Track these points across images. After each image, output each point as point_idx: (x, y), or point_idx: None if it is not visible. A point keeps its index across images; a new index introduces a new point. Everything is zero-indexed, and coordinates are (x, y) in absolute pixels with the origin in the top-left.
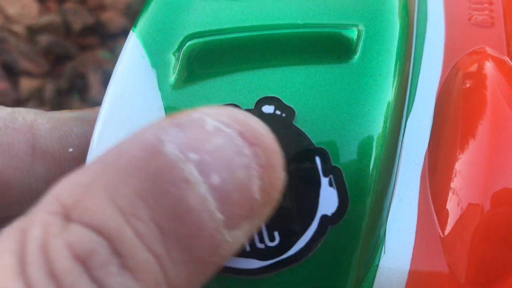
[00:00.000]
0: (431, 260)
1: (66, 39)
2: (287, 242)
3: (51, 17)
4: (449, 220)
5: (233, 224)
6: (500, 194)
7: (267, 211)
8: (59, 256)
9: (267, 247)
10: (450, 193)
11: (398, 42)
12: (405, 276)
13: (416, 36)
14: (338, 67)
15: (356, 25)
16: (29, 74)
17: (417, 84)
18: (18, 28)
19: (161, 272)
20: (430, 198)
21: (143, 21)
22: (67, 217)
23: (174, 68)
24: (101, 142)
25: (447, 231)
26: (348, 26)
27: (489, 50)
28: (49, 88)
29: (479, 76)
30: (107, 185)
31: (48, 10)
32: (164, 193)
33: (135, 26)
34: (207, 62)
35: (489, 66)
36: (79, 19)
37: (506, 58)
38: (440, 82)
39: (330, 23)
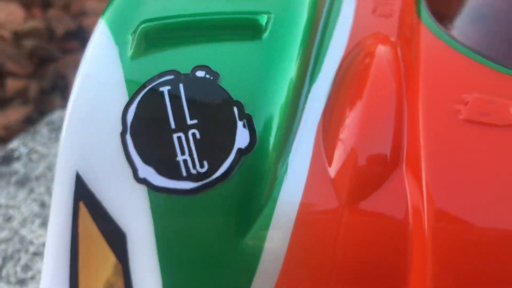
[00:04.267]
0: (320, 191)
1: (50, 43)
2: (213, 167)
3: (36, 23)
4: (337, 162)
5: None
6: (372, 156)
7: None
8: None
9: (198, 172)
10: (339, 143)
11: (304, 27)
12: (294, 208)
13: (328, 23)
14: (252, 44)
15: (269, 13)
16: (14, 75)
17: (324, 58)
18: (5, 33)
19: None
20: (322, 145)
21: (110, 10)
22: None
23: (131, 45)
24: (74, 111)
25: (335, 170)
26: (261, 13)
27: (384, 35)
28: (33, 88)
29: (370, 54)
30: None
31: (33, 16)
32: None
33: (103, 14)
34: (156, 40)
35: (381, 47)
36: (62, 25)
37: (397, 41)
38: (342, 58)
39: (249, 10)
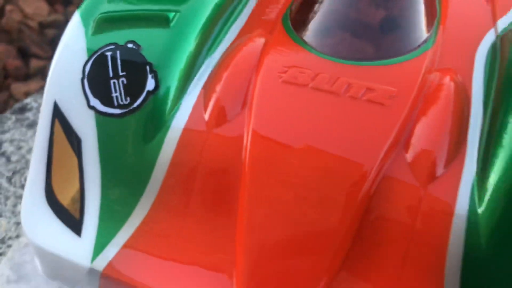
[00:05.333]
0: (196, 124)
1: None
2: (132, 101)
3: (57, 16)
4: (209, 108)
5: None
6: (229, 103)
7: None
8: None
9: (124, 103)
10: (213, 95)
11: (204, 21)
12: (179, 131)
13: (230, 19)
14: (162, 29)
15: (177, 11)
16: (37, 57)
17: (221, 41)
18: (32, 23)
19: None
20: (203, 97)
21: (83, 6)
22: None
23: (92, 27)
24: (57, 74)
25: (207, 118)
26: (170, 11)
27: (261, 31)
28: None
29: (248, 41)
30: None
31: (56, 11)
32: None
33: (79, 8)
34: (106, 24)
35: (255, 38)
36: None
37: (266, 34)
38: (232, 42)
39: (164, 9)
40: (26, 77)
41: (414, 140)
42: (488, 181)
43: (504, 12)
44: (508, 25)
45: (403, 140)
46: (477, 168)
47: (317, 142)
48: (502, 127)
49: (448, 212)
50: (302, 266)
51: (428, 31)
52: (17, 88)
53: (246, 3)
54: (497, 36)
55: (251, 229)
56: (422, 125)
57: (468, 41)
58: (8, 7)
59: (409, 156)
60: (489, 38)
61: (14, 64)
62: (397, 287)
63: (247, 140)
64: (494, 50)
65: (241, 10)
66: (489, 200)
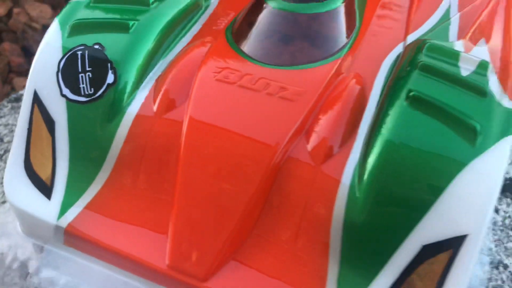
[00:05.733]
0: (145, 112)
1: None
2: (95, 91)
3: None
4: (159, 98)
5: None
6: (174, 95)
7: None
8: None
9: (89, 93)
10: (163, 87)
11: (160, 29)
12: (133, 116)
13: (186, 27)
14: (123, 34)
15: (136, 20)
16: None
17: (176, 44)
18: (37, 25)
19: None
20: (154, 90)
21: (61, 14)
22: None
23: (67, 31)
24: (37, 67)
25: (156, 107)
26: (130, 20)
27: (210, 38)
28: None
29: (200, 45)
30: None
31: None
32: None
33: (58, 15)
34: (78, 29)
35: (205, 43)
36: None
37: (212, 40)
38: (185, 46)
39: (125, 18)
40: (27, 73)
41: (315, 128)
42: (366, 163)
43: (415, 28)
44: (415, 39)
45: (306, 128)
46: (361, 153)
47: (239, 127)
48: (383, 119)
49: (334, 187)
50: (222, 228)
51: (346, 41)
52: (18, 82)
53: (201, 15)
54: (404, 48)
55: (183, 197)
56: (323, 116)
57: (379, 52)
58: (15, 10)
59: (309, 141)
60: (397, 50)
61: (17, 61)
62: (294, 247)
63: (185, 125)
64: (398, 59)
65: (196, 21)
66: (366, 179)
